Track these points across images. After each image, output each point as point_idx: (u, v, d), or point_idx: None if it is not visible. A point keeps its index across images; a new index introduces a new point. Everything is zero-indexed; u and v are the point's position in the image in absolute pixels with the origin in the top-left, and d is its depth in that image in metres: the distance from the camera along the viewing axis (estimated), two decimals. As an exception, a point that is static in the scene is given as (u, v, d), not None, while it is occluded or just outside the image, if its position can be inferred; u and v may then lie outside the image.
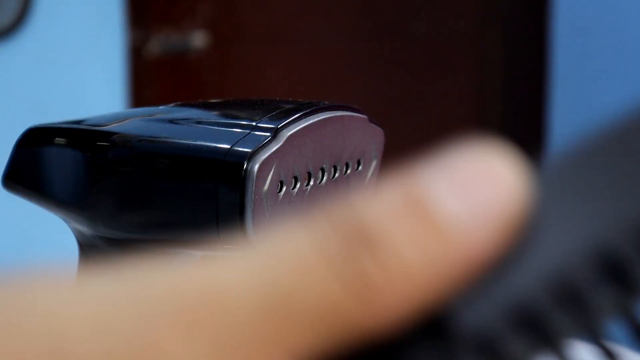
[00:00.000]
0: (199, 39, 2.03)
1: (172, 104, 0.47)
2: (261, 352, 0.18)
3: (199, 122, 0.42)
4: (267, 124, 0.41)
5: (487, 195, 0.18)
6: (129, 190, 0.44)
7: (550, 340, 0.17)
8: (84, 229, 0.51)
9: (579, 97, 2.16)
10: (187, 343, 0.18)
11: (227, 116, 0.43)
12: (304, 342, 0.18)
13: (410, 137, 2.18)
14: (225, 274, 0.18)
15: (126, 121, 0.44)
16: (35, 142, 0.45)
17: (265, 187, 0.39)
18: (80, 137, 0.44)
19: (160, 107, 0.46)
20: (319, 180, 0.44)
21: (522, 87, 2.26)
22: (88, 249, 0.51)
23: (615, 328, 0.18)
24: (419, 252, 0.17)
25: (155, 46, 2.01)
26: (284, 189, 0.40)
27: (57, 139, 0.45)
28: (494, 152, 0.18)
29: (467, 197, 0.18)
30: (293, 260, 0.18)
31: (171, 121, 0.43)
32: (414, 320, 0.18)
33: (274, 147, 0.40)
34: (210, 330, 0.18)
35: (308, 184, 0.42)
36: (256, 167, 0.39)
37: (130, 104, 1.95)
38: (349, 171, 0.47)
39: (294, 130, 0.41)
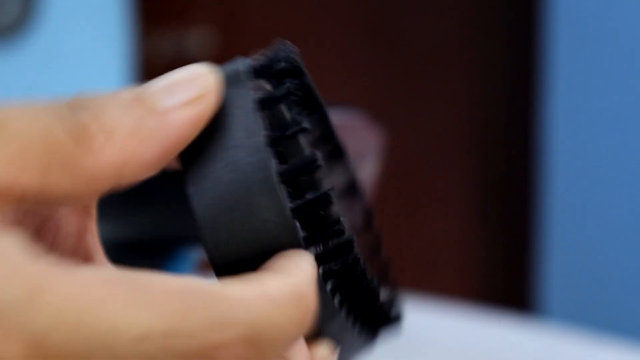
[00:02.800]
0: (203, 40, 2.03)
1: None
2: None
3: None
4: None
5: (186, 89, 0.25)
6: (131, 189, 0.44)
7: None
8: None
9: (579, 97, 2.16)
10: None
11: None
12: (38, 174, 0.23)
13: (410, 137, 2.18)
14: None
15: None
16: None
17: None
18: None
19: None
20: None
21: (521, 88, 2.26)
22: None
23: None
24: (129, 118, 0.24)
25: (160, 47, 2.01)
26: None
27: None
28: (196, 66, 0.26)
29: (171, 89, 0.25)
30: (28, 110, 0.24)
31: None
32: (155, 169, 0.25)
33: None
34: None
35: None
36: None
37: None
38: (349, 171, 0.47)
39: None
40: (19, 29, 1.80)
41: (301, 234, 0.26)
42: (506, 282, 2.30)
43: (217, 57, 2.04)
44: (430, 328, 0.95)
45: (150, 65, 2.01)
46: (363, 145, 0.48)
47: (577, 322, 2.13)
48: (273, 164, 0.26)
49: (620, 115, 2.09)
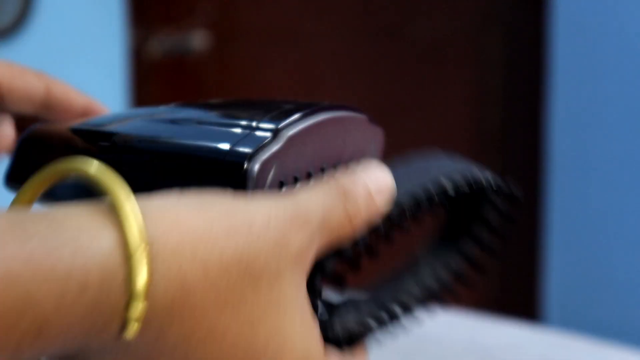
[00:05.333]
0: (199, 40, 2.03)
1: (172, 104, 0.47)
2: (303, 246, 0.37)
3: (199, 122, 0.42)
4: (267, 124, 0.41)
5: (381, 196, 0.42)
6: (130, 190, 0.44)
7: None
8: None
9: (579, 98, 2.16)
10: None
11: (227, 116, 0.43)
12: (324, 241, 0.39)
13: (410, 137, 2.18)
14: (260, 205, 0.37)
15: (127, 121, 0.45)
16: (37, 141, 0.45)
17: (266, 188, 0.39)
18: (82, 137, 0.44)
19: (161, 107, 0.46)
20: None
21: (521, 88, 2.26)
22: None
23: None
24: (365, 207, 0.41)
25: (156, 46, 2.01)
26: (285, 189, 0.40)
27: (59, 138, 0.45)
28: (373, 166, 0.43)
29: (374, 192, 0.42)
30: (318, 193, 0.40)
31: (171, 121, 0.43)
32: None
33: (274, 148, 0.40)
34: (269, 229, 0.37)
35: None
36: (256, 167, 0.39)
37: (131, 104, 1.96)
38: (349, 171, 0.47)
39: (295, 130, 0.41)
40: (18, 29, 1.80)
41: None
42: (507, 284, 2.30)
43: (215, 59, 2.04)
44: (430, 328, 0.95)
45: (149, 65, 2.01)
46: (363, 145, 0.48)
47: (577, 325, 2.13)
48: None
49: (622, 116, 2.09)
